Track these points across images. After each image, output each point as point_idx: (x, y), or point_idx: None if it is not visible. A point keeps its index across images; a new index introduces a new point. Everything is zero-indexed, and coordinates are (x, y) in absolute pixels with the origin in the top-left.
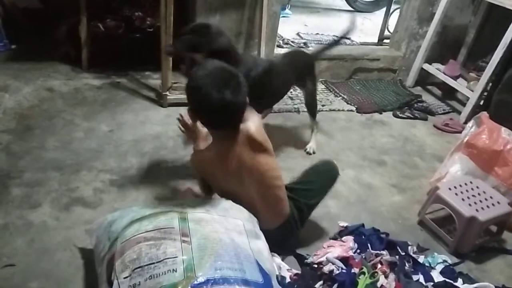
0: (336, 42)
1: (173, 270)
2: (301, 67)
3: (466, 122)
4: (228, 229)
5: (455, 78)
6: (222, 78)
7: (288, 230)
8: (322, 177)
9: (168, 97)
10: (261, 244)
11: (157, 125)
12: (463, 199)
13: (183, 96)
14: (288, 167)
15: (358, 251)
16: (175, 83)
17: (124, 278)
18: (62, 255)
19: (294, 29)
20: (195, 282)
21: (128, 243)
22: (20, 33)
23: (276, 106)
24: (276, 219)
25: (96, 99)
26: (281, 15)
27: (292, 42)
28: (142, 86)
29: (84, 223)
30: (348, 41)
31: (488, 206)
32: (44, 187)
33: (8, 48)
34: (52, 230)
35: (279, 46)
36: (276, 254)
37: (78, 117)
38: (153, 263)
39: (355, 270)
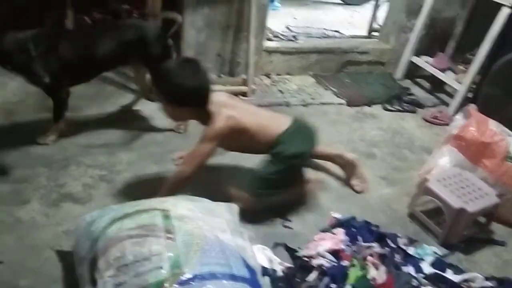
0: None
1: (159, 267)
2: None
3: (454, 115)
4: (212, 226)
5: (443, 70)
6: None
7: None
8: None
9: None
10: (245, 243)
11: (146, 119)
12: (452, 191)
13: None
14: None
15: (349, 243)
16: None
17: (109, 276)
18: (51, 252)
19: (283, 22)
20: (182, 278)
21: (111, 242)
22: (4, 27)
23: (265, 100)
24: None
25: (84, 94)
26: (270, 8)
27: (281, 35)
28: (130, 80)
29: (74, 219)
30: (337, 34)
31: (476, 198)
32: (33, 183)
33: None
34: (41, 227)
35: (268, 39)
36: (267, 248)
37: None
38: (138, 261)
39: (346, 263)
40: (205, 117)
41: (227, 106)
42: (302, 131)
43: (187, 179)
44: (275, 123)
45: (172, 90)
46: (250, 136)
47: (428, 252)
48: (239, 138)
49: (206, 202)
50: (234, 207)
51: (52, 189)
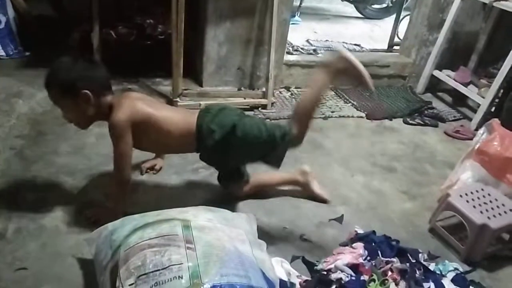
0: None
1: (179, 276)
2: None
3: (477, 129)
4: (231, 237)
5: (465, 84)
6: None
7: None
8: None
9: (178, 103)
10: (264, 255)
11: None
12: (474, 207)
13: (193, 102)
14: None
15: (368, 258)
16: (185, 89)
17: (130, 285)
18: (73, 259)
19: (303, 35)
20: None
21: (132, 251)
22: (34, 40)
23: (285, 113)
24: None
25: None
26: (290, 22)
27: (301, 48)
28: (152, 92)
29: (95, 227)
30: (357, 48)
31: (500, 214)
32: (57, 192)
33: (22, 55)
34: (64, 234)
35: (288, 53)
36: (285, 261)
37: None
38: (158, 270)
39: (365, 277)
40: (107, 110)
41: (134, 100)
42: (217, 113)
43: (126, 183)
44: (188, 115)
45: (67, 77)
46: (163, 130)
47: (450, 269)
48: (151, 132)
49: (225, 213)
50: (253, 218)
51: (75, 197)
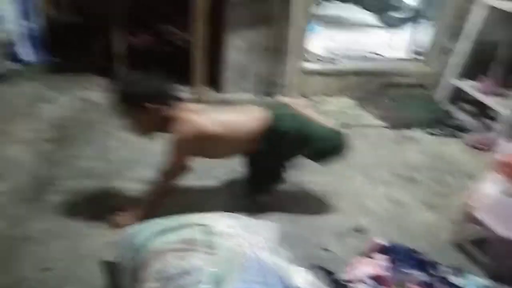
0: None
1: (199, 281)
2: None
3: (500, 140)
4: (251, 244)
5: (488, 94)
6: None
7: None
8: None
9: None
10: (283, 263)
11: None
12: (499, 220)
13: None
14: None
15: (391, 269)
16: (205, 96)
17: None
18: (95, 262)
19: (322, 44)
20: None
21: (154, 255)
22: (60, 46)
23: None
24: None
25: None
26: (309, 30)
27: (320, 56)
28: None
29: (117, 230)
30: (377, 56)
31: None
32: (81, 195)
33: (49, 61)
34: (88, 237)
35: (307, 60)
36: (305, 269)
37: (114, 128)
38: (179, 274)
39: None
40: (171, 123)
41: (196, 114)
42: (286, 116)
43: (167, 193)
44: (252, 114)
45: (139, 92)
46: (224, 141)
47: (476, 284)
48: (211, 145)
49: (246, 220)
50: (274, 226)
51: (99, 201)
